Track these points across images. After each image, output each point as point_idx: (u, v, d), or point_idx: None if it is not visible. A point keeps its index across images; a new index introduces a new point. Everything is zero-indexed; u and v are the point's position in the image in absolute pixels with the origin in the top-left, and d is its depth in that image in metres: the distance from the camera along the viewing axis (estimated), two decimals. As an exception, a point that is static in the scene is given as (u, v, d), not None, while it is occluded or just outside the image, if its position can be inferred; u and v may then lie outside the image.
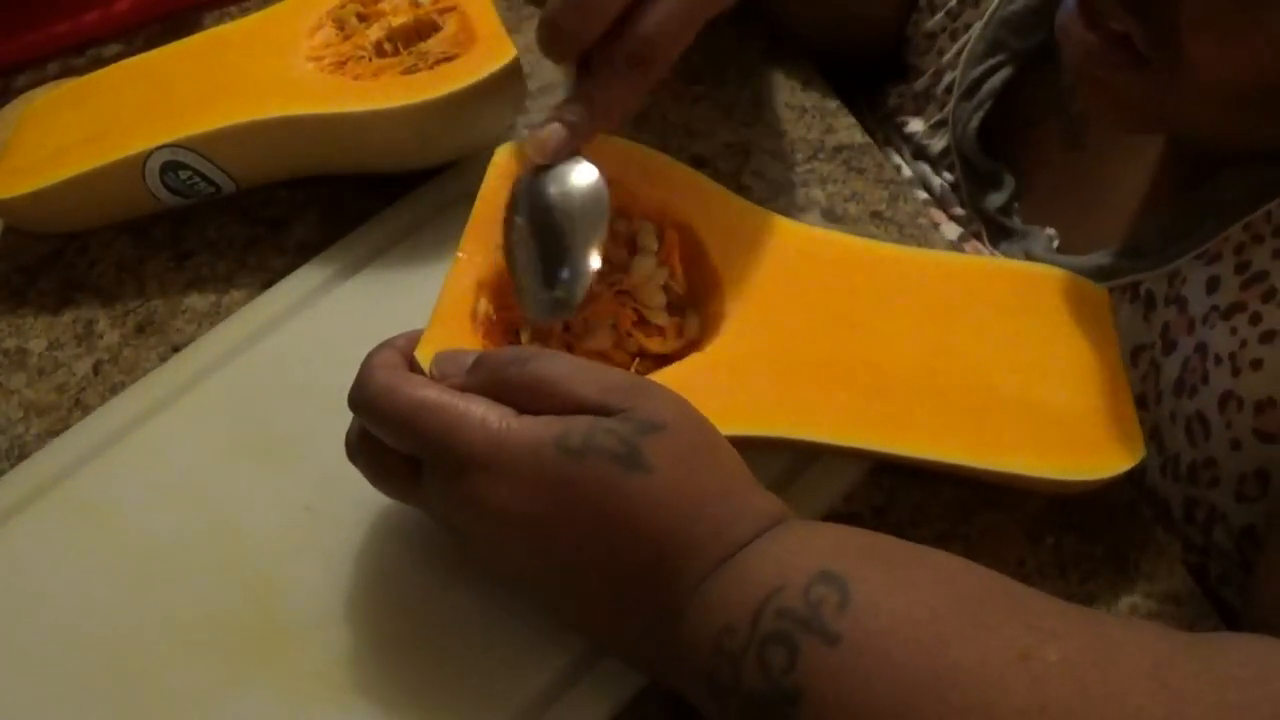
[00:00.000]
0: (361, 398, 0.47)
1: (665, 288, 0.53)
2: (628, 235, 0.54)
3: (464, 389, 0.46)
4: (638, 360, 0.52)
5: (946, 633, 0.39)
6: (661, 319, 0.52)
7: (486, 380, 0.46)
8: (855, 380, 0.50)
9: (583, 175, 0.50)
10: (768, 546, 0.43)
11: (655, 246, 0.53)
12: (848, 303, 0.52)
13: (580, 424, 0.44)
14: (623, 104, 0.51)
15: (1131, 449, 0.51)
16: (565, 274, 0.48)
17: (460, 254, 0.50)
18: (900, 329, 0.52)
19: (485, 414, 0.44)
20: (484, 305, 0.51)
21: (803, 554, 0.42)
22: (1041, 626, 0.40)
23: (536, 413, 0.45)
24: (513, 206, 0.51)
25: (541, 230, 0.50)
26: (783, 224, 0.55)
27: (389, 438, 0.46)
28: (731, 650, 0.41)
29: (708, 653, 0.42)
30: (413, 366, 0.48)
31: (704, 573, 0.43)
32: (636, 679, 0.49)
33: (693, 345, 0.52)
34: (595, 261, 0.48)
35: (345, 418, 0.49)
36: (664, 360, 0.52)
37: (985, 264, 0.56)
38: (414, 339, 0.49)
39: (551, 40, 0.51)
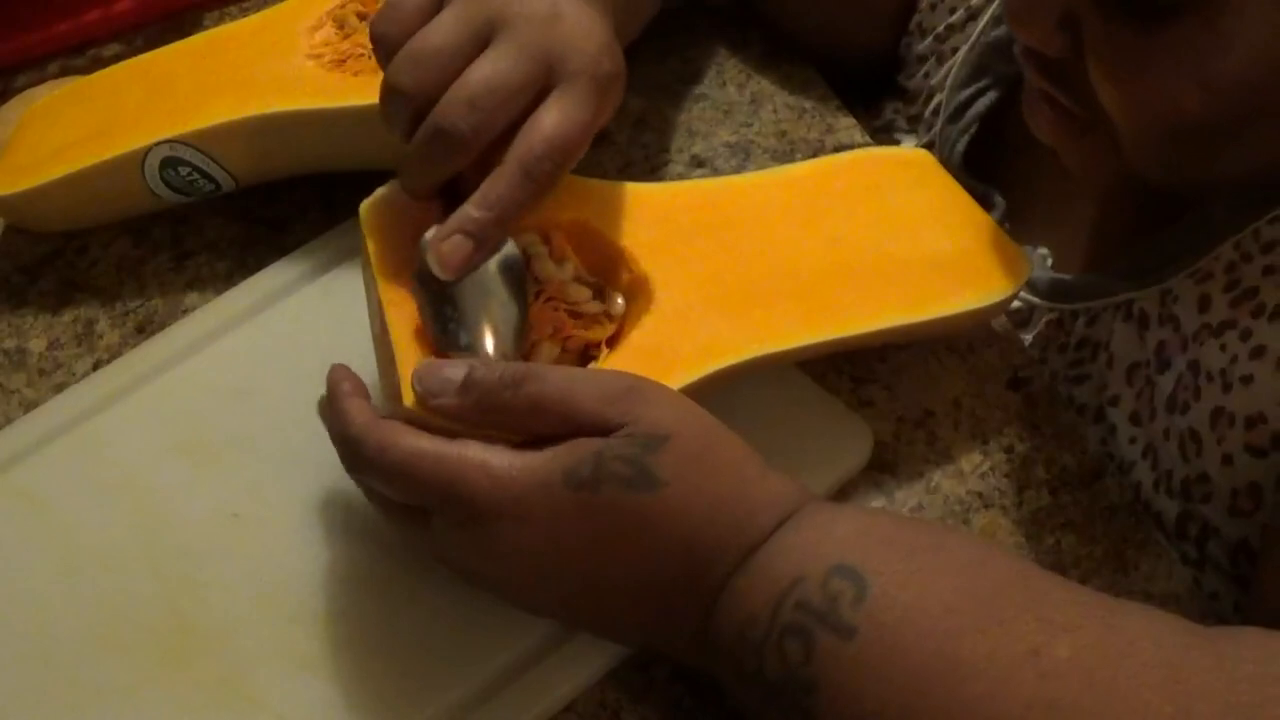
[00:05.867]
0: (358, 458, 0.45)
1: (582, 280, 0.54)
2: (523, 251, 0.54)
3: (457, 410, 0.45)
4: (606, 350, 0.53)
5: (959, 627, 0.40)
6: (593, 308, 0.53)
7: (479, 404, 0.45)
8: (782, 290, 0.54)
9: (492, 264, 0.49)
10: (790, 537, 0.44)
11: (545, 250, 0.53)
12: (739, 232, 0.55)
13: (587, 453, 0.44)
14: (523, 207, 0.48)
15: (1025, 259, 0.57)
16: (467, 343, 0.48)
17: (386, 308, 0.49)
18: (791, 237, 0.56)
19: (485, 459, 0.44)
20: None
21: (823, 544, 0.43)
22: (1055, 620, 0.40)
23: (536, 433, 0.45)
24: (419, 276, 0.49)
25: (444, 303, 0.48)
26: (651, 187, 0.57)
27: (390, 492, 0.46)
28: (754, 640, 0.42)
29: (733, 643, 0.43)
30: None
31: (731, 568, 0.44)
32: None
33: (630, 318, 0.53)
34: (490, 343, 0.48)
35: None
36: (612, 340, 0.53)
37: (828, 162, 0.60)
38: (358, 383, 0.47)
39: (445, 150, 0.47)
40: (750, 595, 0.43)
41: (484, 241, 0.48)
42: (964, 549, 0.44)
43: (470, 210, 0.47)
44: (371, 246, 0.51)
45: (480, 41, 0.48)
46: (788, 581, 0.42)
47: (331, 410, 0.47)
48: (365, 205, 0.52)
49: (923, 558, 0.43)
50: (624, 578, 0.45)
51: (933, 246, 0.57)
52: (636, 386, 0.46)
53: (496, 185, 0.47)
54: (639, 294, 0.53)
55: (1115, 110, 0.51)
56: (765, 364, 0.53)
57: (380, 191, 0.52)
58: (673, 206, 0.56)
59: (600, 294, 0.54)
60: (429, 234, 0.48)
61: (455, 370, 0.45)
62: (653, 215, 0.55)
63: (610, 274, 0.54)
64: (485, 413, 0.45)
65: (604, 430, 0.44)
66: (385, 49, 0.50)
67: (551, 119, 0.48)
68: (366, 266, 0.52)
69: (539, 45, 0.48)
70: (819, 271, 0.55)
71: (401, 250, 0.51)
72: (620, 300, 0.53)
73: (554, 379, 0.45)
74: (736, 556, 0.44)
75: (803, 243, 0.56)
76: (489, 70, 0.47)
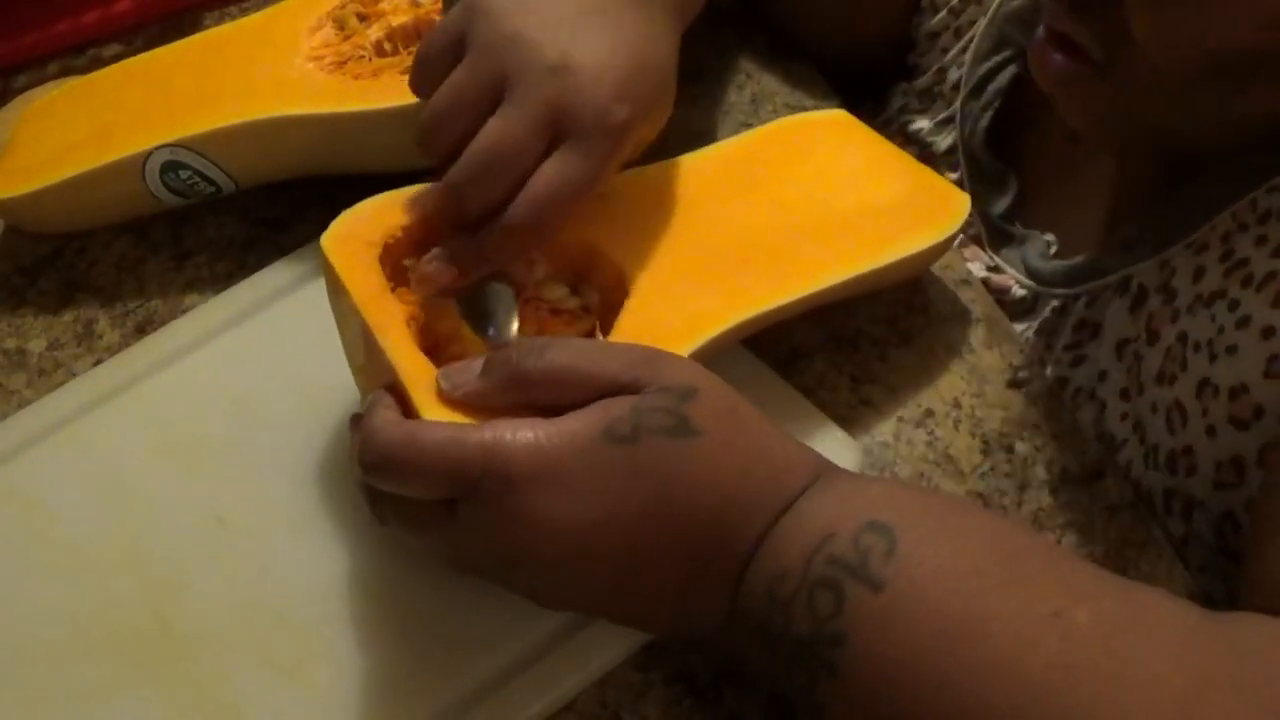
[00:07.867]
0: (379, 457, 0.44)
1: (555, 279, 0.55)
2: None
3: (481, 393, 0.46)
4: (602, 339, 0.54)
5: (985, 586, 0.41)
6: (572, 303, 0.54)
7: (502, 378, 0.45)
8: (748, 257, 0.55)
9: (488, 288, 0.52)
10: (821, 497, 0.45)
11: None
12: (691, 210, 0.57)
13: (623, 409, 0.44)
14: (509, 255, 0.51)
15: (961, 193, 0.60)
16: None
17: (378, 333, 0.49)
18: (741, 208, 0.57)
19: (515, 431, 0.44)
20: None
21: (854, 504, 0.44)
22: (1076, 587, 0.42)
23: (561, 402, 0.45)
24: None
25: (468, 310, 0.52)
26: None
27: (418, 489, 0.45)
28: (783, 596, 0.43)
29: (762, 600, 0.44)
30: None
31: (763, 528, 0.44)
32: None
33: (612, 309, 0.54)
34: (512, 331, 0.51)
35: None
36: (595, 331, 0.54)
37: (755, 135, 0.62)
38: (391, 401, 0.47)
39: (452, 208, 0.51)
40: (782, 552, 0.44)
41: (464, 271, 0.51)
42: (987, 517, 0.45)
43: (460, 245, 0.51)
44: (345, 277, 0.50)
45: (493, 96, 0.51)
46: (820, 538, 0.43)
47: (361, 419, 0.47)
48: (326, 240, 0.51)
49: (950, 520, 0.44)
50: (660, 541, 0.44)
51: (875, 196, 0.59)
52: (655, 350, 0.47)
53: (486, 235, 0.50)
54: (615, 284, 0.54)
55: (1146, 38, 0.50)
56: (751, 328, 0.54)
57: (336, 224, 0.52)
58: (623, 196, 0.56)
59: (576, 291, 0.55)
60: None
61: (475, 361, 0.47)
62: (608, 208, 0.56)
63: (583, 272, 0.55)
64: (510, 387, 0.45)
65: (631, 390, 0.45)
66: (421, 97, 0.54)
67: (544, 179, 0.50)
68: (340, 297, 0.51)
69: (545, 101, 0.50)
70: (777, 235, 0.56)
71: (374, 272, 0.51)
72: (595, 293, 0.54)
73: (574, 345, 0.46)
74: (769, 516, 0.44)
75: (754, 211, 0.57)
76: (493, 133, 0.50)
